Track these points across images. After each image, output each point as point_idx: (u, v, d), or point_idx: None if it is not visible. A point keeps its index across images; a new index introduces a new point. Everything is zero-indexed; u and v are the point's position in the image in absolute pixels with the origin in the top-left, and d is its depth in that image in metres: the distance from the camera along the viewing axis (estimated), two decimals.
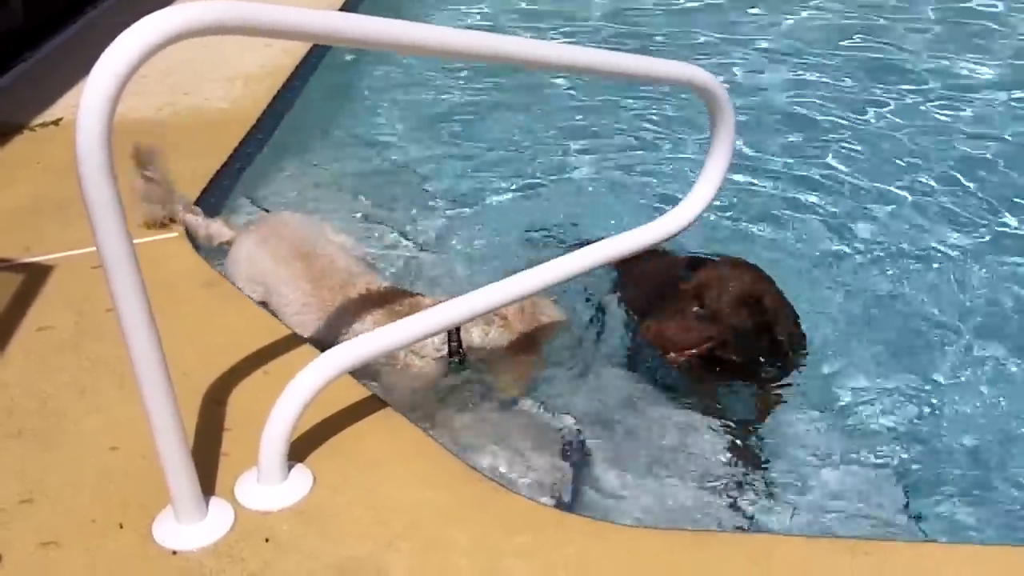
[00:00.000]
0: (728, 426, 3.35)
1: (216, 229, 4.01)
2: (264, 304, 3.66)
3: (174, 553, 2.53)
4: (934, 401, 3.52)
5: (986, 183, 4.98)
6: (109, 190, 2.14)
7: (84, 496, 2.73)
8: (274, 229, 3.85)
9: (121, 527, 2.61)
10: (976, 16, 7.24)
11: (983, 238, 4.54)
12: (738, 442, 3.29)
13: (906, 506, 3.08)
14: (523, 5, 7.52)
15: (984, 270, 4.27)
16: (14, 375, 3.24)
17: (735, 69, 6.42)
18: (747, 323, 3.21)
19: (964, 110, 5.80)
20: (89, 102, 2.08)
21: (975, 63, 6.42)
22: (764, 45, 6.79)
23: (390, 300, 3.48)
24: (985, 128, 5.57)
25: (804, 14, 7.27)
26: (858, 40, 6.85)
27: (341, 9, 5.52)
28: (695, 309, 3.19)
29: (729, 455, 3.24)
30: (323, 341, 3.39)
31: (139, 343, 2.32)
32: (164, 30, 2.11)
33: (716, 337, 3.23)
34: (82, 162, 2.10)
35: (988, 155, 5.24)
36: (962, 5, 7.38)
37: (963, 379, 3.65)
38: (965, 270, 4.26)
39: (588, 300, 3.95)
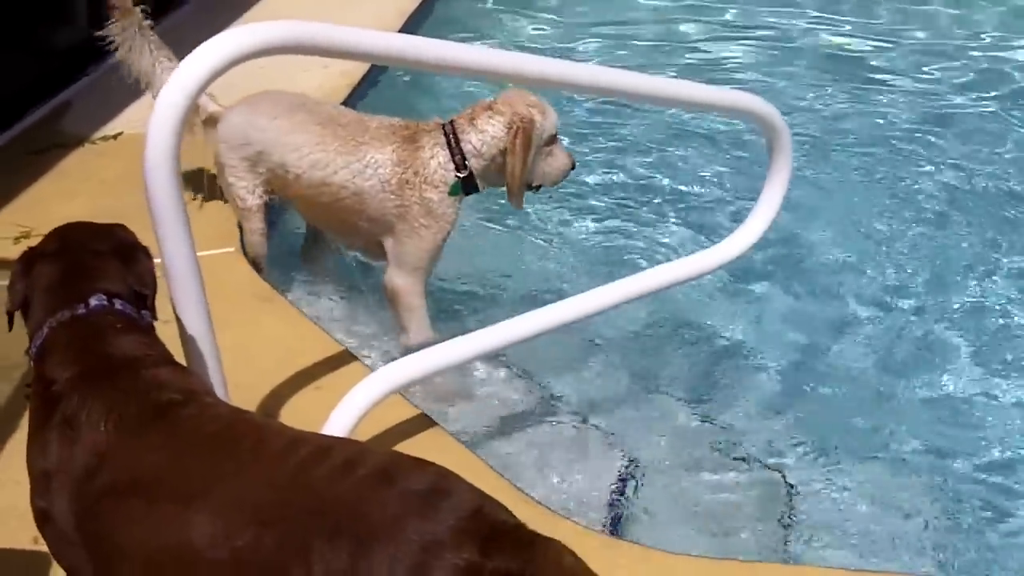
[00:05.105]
0: (772, 456, 3.36)
1: (203, 100, 3.88)
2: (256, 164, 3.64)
3: None
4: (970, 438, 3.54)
5: None
6: (176, 204, 2.18)
7: None
8: (264, 97, 3.80)
9: None
10: None
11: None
12: (782, 473, 3.29)
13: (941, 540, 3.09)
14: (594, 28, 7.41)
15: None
16: None
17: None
18: None
19: None
20: (160, 118, 2.13)
21: None
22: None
23: (407, 127, 3.48)
24: None
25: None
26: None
27: (400, 31, 5.60)
28: None
29: (772, 485, 3.25)
30: (340, 179, 3.43)
31: (199, 355, 2.36)
32: (234, 49, 2.16)
33: None
34: (151, 176, 2.14)
35: None
36: None
37: (992, 415, 3.65)
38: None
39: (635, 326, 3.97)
